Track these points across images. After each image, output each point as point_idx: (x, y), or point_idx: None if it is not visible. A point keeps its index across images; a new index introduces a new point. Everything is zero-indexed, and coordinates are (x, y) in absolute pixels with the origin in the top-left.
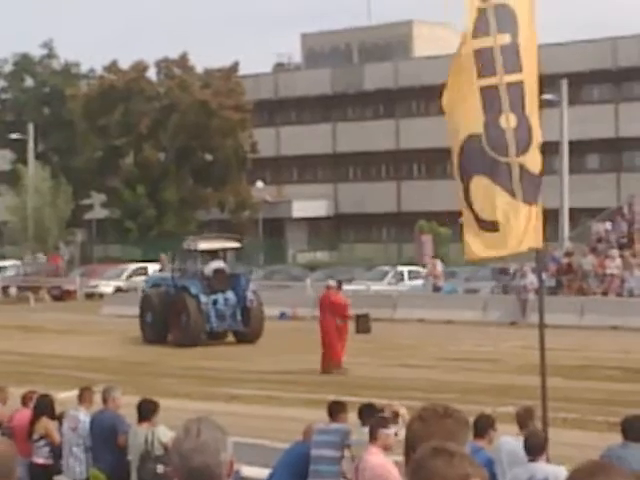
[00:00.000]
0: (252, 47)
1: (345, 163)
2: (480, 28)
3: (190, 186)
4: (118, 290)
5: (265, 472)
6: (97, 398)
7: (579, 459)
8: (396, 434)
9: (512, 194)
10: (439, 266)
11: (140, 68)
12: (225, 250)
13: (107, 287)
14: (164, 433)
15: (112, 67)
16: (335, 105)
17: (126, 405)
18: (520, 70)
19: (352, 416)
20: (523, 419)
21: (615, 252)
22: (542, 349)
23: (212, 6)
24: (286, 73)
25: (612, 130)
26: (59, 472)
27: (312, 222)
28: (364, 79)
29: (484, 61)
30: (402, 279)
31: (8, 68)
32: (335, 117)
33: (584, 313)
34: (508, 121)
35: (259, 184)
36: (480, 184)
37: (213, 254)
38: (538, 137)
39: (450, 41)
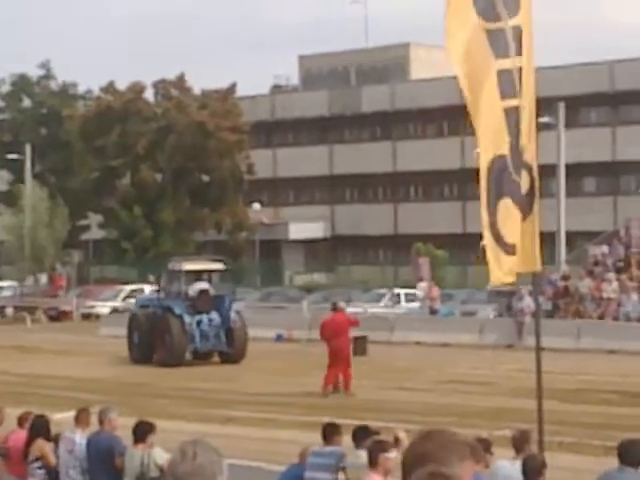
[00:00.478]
0: (249, 68)
1: (342, 185)
2: (498, 49)
3: (187, 207)
4: (114, 311)
5: None
6: (94, 419)
7: None
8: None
9: (523, 214)
10: (435, 289)
11: (137, 89)
12: (210, 272)
13: (103, 308)
14: (160, 455)
15: (109, 88)
16: (332, 127)
17: (122, 427)
18: (518, 95)
19: (347, 439)
20: (519, 443)
21: (612, 275)
22: (539, 372)
23: (209, 27)
24: (283, 95)
25: (609, 153)
26: None
27: (309, 244)
28: (361, 101)
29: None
30: (399, 301)
31: (5, 88)
32: (332, 139)
33: (581, 336)
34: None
35: (256, 205)
36: (505, 206)
37: (198, 275)
38: (529, 159)
39: (447, 64)
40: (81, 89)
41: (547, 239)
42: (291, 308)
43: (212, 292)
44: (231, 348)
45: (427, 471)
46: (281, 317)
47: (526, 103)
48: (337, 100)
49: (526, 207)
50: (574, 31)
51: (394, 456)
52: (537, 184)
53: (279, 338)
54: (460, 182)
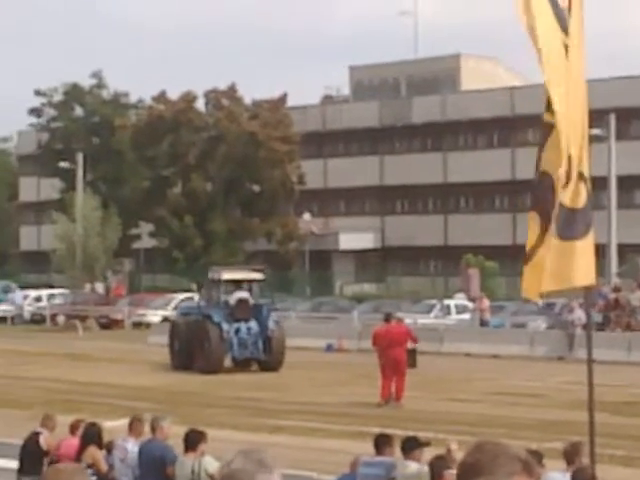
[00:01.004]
0: (300, 79)
1: (392, 196)
2: None
3: (237, 217)
4: (165, 319)
5: None
6: (146, 427)
7: None
8: None
9: (545, 229)
10: (486, 300)
11: (189, 98)
12: (249, 281)
13: (154, 316)
14: (211, 463)
15: (161, 97)
16: (382, 138)
17: (173, 435)
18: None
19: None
20: (570, 455)
21: None
22: (590, 385)
23: (261, 38)
24: (334, 105)
25: None
26: None
27: (359, 254)
28: (412, 112)
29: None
30: (449, 313)
31: (58, 97)
32: (382, 150)
33: (632, 349)
34: None
35: (306, 216)
36: (530, 217)
37: (238, 284)
38: (582, 170)
39: (497, 75)
40: (133, 98)
41: (598, 251)
42: (341, 318)
43: (251, 301)
44: (269, 356)
45: None
46: (331, 327)
47: (578, 116)
48: (388, 111)
49: (579, 224)
50: (626, 43)
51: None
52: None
53: (329, 348)
54: (510, 193)
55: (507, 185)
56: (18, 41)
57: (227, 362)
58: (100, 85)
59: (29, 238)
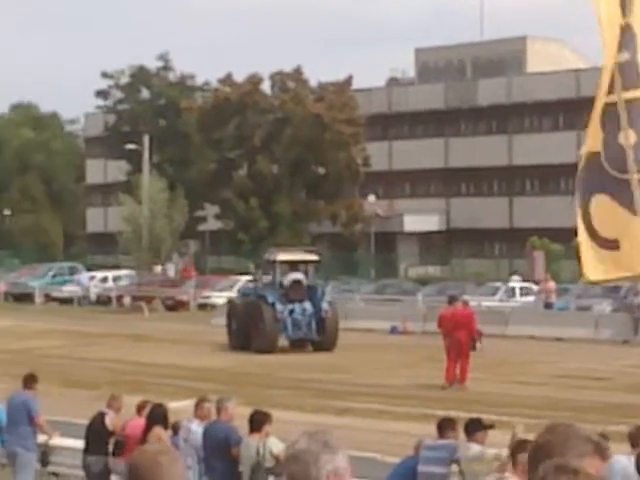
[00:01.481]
0: (366, 61)
1: (457, 178)
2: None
3: (302, 199)
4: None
5: None
6: (212, 409)
7: None
8: None
9: (633, 212)
10: (551, 283)
11: (254, 81)
12: (306, 263)
13: (219, 298)
14: (275, 445)
15: (227, 80)
16: (448, 120)
17: (238, 416)
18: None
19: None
20: (635, 438)
21: None
22: None
23: (326, 20)
24: (399, 88)
25: None
26: None
27: (424, 236)
28: (477, 94)
29: (608, 78)
30: (513, 295)
31: (125, 80)
32: (448, 132)
33: None
34: (627, 137)
35: (371, 198)
36: (601, 202)
37: (293, 266)
38: None
39: (563, 57)
40: (199, 81)
41: None
42: (406, 301)
43: (305, 282)
44: (322, 337)
45: (553, 464)
46: (396, 309)
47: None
48: (453, 93)
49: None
50: None
51: None
52: None
53: (394, 330)
54: (576, 176)
55: (573, 167)
56: (85, 24)
57: (283, 342)
58: (166, 67)
59: (96, 220)
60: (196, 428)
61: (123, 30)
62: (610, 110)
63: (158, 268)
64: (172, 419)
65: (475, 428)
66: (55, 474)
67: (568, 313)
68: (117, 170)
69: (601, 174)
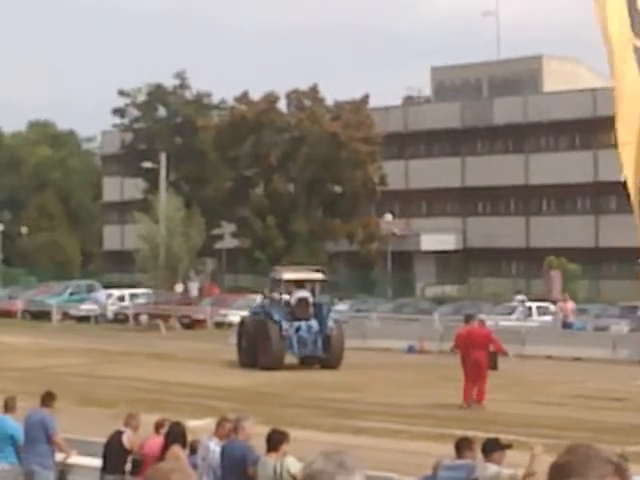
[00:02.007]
0: (382, 80)
1: (474, 197)
2: None
3: (319, 217)
4: None
5: None
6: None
7: None
8: None
9: None
10: (570, 303)
11: (271, 99)
12: (310, 281)
13: (236, 316)
14: (293, 464)
15: (243, 98)
16: (464, 139)
17: (255, 435)
18: None
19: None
20: None
21: None
22: None
23: (342, 38)
24: (416, 106)
25: None
26: None
27: (441, 255)
28: (493, 113)
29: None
30: (530, 314)
31: (142, 98)
32: (464, 151)
33: None
34: None
35: (388, 216)
36: None
37: (299, 284)
38: None
39: (579, 76)
40: (215, 99)
41: None
42: (422, 320)
43: (311, 300)
44: (328, 354)
45: None
46: (413, 328)
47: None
48: (469, 112)
49: None
50: None
51: None
52: None
53: (410, 349)
54: (593, 195)
55: (589, 187)
56: (103, 42)
57: (292, 360)
58: (183, 86)
59: (112, 238)
60: (214, 447)
61: (140, 48)
62: None
63: (180, 287)
64: (190, 438)
65: (493, 448)
66: None
67: (585, 333)
68: (134, 188)
69: None
